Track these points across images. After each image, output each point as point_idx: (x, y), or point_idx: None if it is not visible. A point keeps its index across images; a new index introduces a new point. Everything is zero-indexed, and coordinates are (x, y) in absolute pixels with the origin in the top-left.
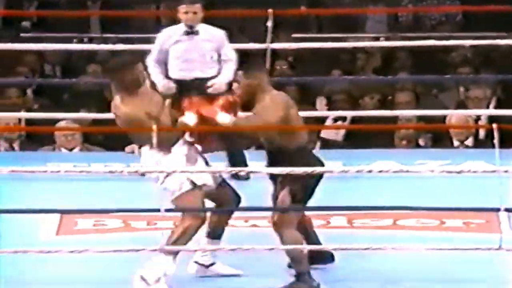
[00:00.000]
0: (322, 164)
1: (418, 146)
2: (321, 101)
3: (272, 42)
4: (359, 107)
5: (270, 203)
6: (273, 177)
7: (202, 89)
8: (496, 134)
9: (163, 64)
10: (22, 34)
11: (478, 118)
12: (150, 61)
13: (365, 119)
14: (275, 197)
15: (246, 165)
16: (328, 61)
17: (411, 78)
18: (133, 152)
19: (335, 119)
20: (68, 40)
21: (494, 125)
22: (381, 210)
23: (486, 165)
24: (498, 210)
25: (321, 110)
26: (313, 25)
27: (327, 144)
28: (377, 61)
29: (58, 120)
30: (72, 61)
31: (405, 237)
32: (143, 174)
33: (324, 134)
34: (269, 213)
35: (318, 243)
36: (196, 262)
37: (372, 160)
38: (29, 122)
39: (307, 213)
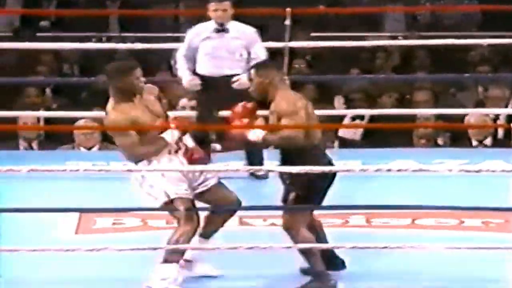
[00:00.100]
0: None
1: (436, 145)
2: (339, 100)
3: (290, 40)
4: (377, 106)
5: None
6: (282, 178)
7: (229, 86)
8: None
9: (192, 60)
10: (40, 34)
11: (496, 117)
12: (179, 56)
13: (383, 118)
14: (284, 199)
15: (262, 165)
16: (347, 60)
17: (429, 77)
18: None
19: (353, 118)
20: (87, 40)
21: None
22: (400, 210)
23: (504, 164)
24: None
25: (339, 109)
26: (332, 24)
27: (345, 143)
28: (395, 60)
29: (76, 119)
30: (90, 60)
31: (424, 237)
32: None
33: (342, 133)
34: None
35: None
36: None
37: (390, 159)
38: (48, 121)
39: (325, 212)
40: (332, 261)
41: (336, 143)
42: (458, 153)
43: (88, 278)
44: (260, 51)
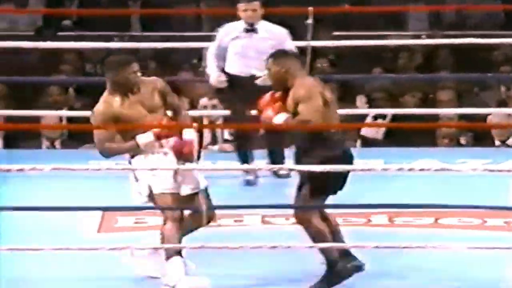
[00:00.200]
0: (350, 155)
1: (459, 145)
2: (361, 99)
3: (313, 40)
4: (399, 105)
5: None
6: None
7: (255, 86)
8: None
9: (222, 58)
10: (63, 33)
11: None
12: (209, 54)
13: (406, 117)
14: (299, 187)
15: (284, 163)
16: (369, 59)
17: (452, 76)
18: None
19: (375, 117)
20: (109, 39)
21: None
22: (423, 209)
23: None
24: None
25: (361, 108)
26: (355, 23)
27: (368, 143)
28: (418, 60)
29: None
30: None
31: (447, 236)
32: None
33: (364, 132)
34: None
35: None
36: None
37: (413, 158)
38: (70, 120)
39: (348, 211)
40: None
41: (359, 142)
42: (481, 152)
43: (109, 276)
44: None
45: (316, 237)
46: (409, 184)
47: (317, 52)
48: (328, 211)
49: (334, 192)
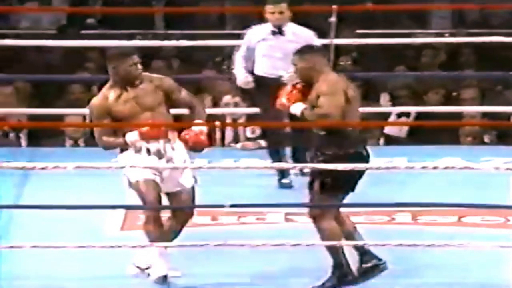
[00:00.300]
0: (367, 155)
1: (483, 143)
2: (384, 97)
3: (336, 38)
4: (423, 103)
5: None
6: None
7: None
8: None
9: (250, 60)
10: (86, 31)
11: None
12: (237, 55)
13: (429, 115)
14: (310, 185)
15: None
16: (392, 57)
17: (476, 74)
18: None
19: (399, 115)
20: (132, 37)
21: None
22: (446, 207)
23: None
24: None
25: (384, 106)
26: (378, 21)
27: (391, 141)
28: (442, 57)
29: None
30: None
31: (470, 234)
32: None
33: (388, 130)
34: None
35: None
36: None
37: (436, 156)
38: None
39: (371, 209)
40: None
41: (382, 141)
42: (504, 151)
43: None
44: None
45: (327, 236)
46: (432, 183)
47: (340, 50)
48: (348, 211)
49: (346, 192)
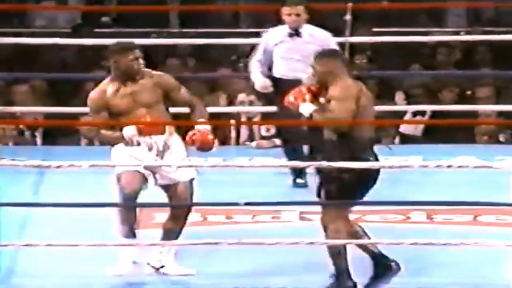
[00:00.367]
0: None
1: (498, 142)
2: (399, 96)
3: (351, 36)
4: (438, 102)
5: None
6: (316, 169)
7: None
8: None
9: (266, 64)
10: (101, 30)
11: None
12: (253, 60)
13: (445, 114)
14: (318, 190)
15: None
16: (408, 55)
17: (491, 73)
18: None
19: (414, 114)
20: (147, 35)
21: None
22: (461, 206)
23: None
24: None
25: (400, 104)
26: (393, 19)
27: (406, 139)
28: (457, 56)
29: None
30: (151, 55)
31: (485, 233)
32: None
33: (403, 129)
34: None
35: (375, 252)
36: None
37: (452, 155)
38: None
39: (386, 208)
40: (384, 264)
41: (397, 139)
42: None
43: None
44: None
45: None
46: (447, 181)
47: (355, 48)
48: (363, 209)
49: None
